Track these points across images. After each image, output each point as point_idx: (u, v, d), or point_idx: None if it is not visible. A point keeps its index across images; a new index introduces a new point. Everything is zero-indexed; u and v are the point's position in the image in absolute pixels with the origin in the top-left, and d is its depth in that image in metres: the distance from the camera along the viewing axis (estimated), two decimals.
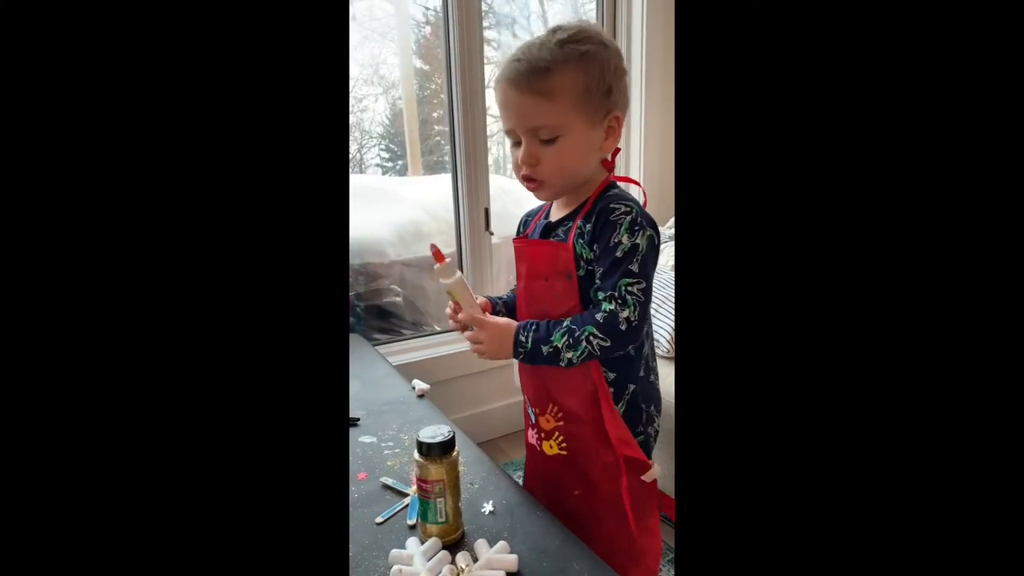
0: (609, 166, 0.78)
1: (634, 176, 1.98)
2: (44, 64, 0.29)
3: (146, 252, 0.32)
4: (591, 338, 0.69)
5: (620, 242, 0.69)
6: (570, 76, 0.69)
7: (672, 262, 1.62)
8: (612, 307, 0.69)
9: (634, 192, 0.80)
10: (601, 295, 0.70)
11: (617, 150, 0.78)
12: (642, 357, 0.78)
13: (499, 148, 2.11)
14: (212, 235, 0.33)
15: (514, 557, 0.60)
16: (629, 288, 0.69)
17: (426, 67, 2.31)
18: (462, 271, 1.84)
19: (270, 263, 0.34)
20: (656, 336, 1.44)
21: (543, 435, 0.81)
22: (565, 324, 0.71)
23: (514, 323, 0.75)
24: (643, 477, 0.77)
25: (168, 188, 0.32)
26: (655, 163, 1.99)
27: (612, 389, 0.76)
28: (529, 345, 0.72)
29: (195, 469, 0.32)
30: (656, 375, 0.82)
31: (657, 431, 0.83)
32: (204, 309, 0.33)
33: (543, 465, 0.82)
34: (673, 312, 1.42)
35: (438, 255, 0.75)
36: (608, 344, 0.69)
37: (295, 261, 0.34)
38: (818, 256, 0.32)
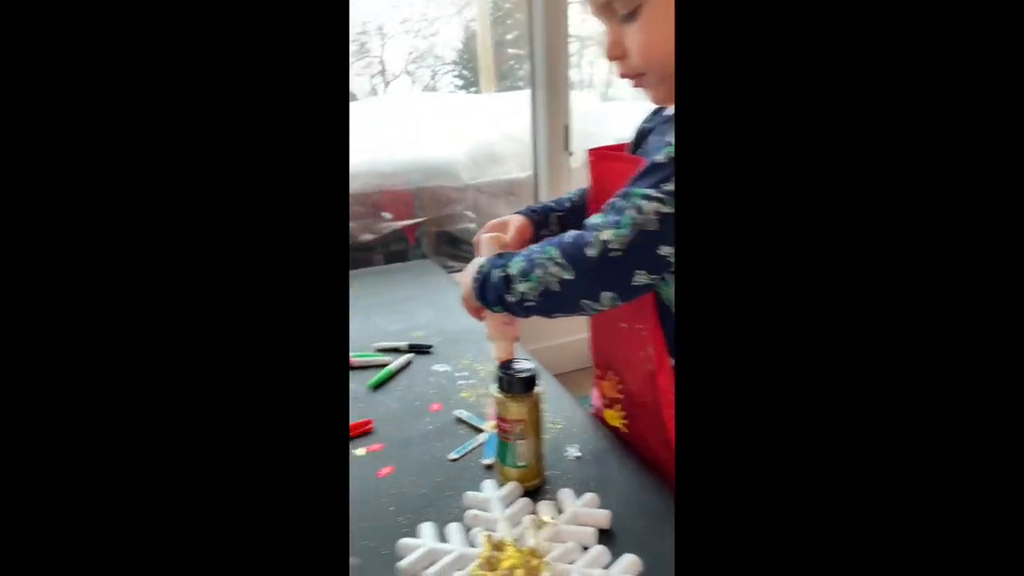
0: None
1: None
2: (35, 56, 0.29)
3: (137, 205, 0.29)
4: (548, 264, 0.48)
5: (669, 143, 0.48)
6: None
7: None
8: (594, 222, 0.48)
9: None
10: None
11: None
12: None
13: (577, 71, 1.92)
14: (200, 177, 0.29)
15: (606, 513, 0.52)
16: (637, 201, 0.46)
17: None
18: (536, 197, 1.74)
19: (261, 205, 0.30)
20: None
21: (606, 402, 0.68)
22: (538, 245, 0.51)
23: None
24: None
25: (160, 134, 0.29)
26: None
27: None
28: (486, 269, 0.53)
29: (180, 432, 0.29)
30: None
31: None
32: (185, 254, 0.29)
33: (607, 433, 0.67)
34: None
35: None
36: (569, 278, 0.47)
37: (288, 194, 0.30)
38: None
